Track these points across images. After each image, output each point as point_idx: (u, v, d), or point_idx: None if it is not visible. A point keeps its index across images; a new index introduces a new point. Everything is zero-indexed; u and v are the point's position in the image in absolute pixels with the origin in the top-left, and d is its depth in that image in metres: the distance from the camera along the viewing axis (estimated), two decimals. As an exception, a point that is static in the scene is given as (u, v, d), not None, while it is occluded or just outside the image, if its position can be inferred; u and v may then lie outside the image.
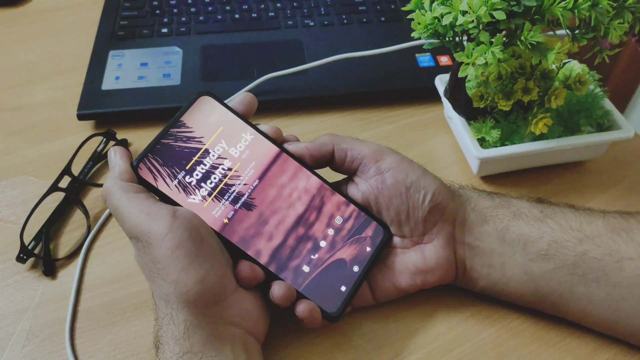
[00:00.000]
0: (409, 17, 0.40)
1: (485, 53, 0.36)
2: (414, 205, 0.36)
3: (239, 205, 0.35)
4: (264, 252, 0.34)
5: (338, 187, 0.38)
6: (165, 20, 0.63)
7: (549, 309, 0.37)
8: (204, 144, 0.35)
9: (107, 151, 0.50)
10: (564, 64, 0.46)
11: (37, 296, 0.40)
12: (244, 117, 0.37)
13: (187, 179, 0.34)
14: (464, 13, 0.36)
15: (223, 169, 0.35)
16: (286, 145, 0.37)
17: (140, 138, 0.52)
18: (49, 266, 0.42)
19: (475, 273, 0.37)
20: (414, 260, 0.37)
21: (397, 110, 0.55)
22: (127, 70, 0.57)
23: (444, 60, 0.58)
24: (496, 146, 0.44)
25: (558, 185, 0.48)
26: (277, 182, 0.36)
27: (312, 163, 0.37)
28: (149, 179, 0.34)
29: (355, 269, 0.36)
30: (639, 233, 0.35)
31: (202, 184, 0.35)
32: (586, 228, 0.35)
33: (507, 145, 0.44)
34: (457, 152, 0.51)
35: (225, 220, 0.34)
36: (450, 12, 0.36)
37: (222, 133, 0.36)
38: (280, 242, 0.35)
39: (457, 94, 0.45)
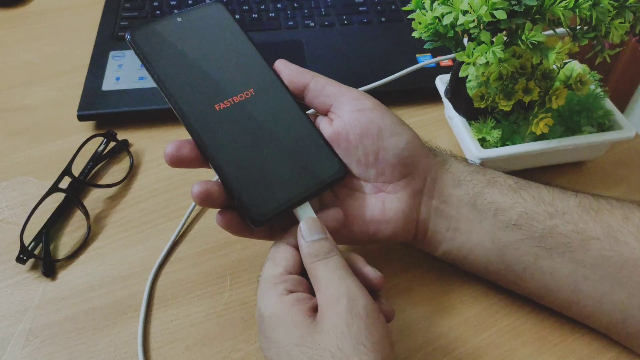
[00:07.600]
0: (409, 17, 0.40)
1: (486, 53, 0.36)
2: (385, 148, 0.35)
3: (216, 108, 0.35)
4: (224, 154, 0.34)
5: (310, 118, 0.38)
6: (166, 20, 0.63)
7: (512, 283, 0.37)
8: (204, 41, 0.36)
9: (107, 152, 0.50)
10: (565, 63, 0.46)
11: (37, 297, 0.40)
12: (249, 34, 0.38)
13: (178, 65, 0.35)
14: (464, 13, 0.36)
15: (214, 71, 0.36)
16: (276, 63, 0.38)
17: (141, 139, 0.52)
18: (49, 267, 0.41)
19: (438, 236, 0.37)
20: (372, 208, 0.36)
21: (397, 110, 0.55)
22: (128, 70, 0.57)
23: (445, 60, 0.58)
24: (497, 146, 0.44)
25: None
26: (258, 97, 0.36)
27: (290, 83, 0.37)
28: (144, 49, 0.34)
29: (300, 191, 0.35)
30: (607, 214, 0.35)
31: (190, 76, 0.35)
32: (558, 203, 0.35)
33: (507, 145, 0.44)
34: (458, 152, 0.50)
35: (202, 120, 0.34)
36: (451, 12, 0.36)
37: (223, 39, 0.37)
38: (241, 147, 0.35)
39: (458, 94, 0.45)
